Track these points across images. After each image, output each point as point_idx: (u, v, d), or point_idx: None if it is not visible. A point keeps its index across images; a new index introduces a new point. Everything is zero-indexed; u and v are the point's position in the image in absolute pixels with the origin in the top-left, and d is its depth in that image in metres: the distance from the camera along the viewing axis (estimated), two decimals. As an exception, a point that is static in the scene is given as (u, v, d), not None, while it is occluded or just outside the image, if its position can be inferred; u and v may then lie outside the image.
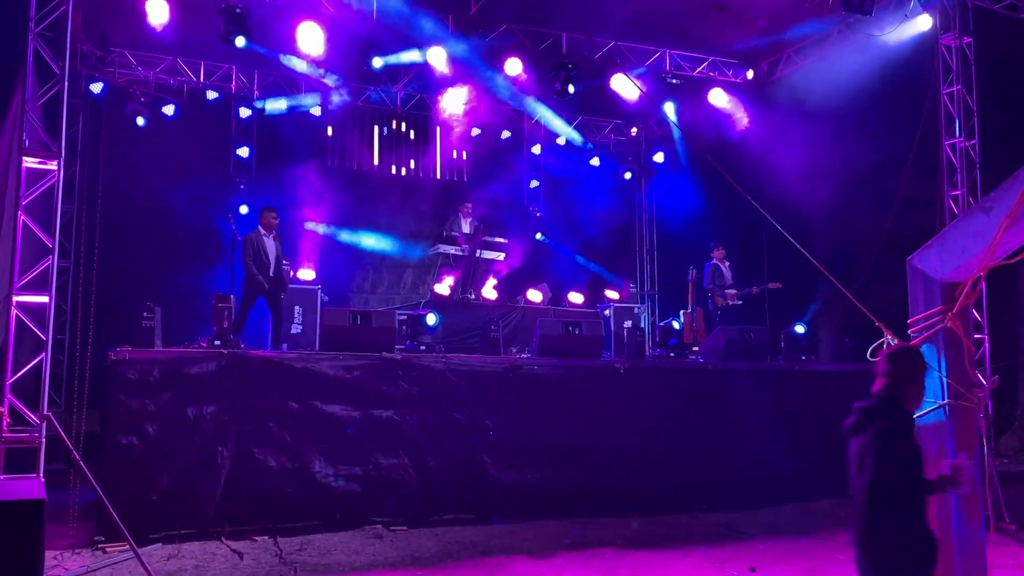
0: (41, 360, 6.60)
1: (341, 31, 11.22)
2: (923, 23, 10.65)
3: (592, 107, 15.32)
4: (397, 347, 8.99)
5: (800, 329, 10.80)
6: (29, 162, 6.68)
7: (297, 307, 10.36)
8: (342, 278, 14.02)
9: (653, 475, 9.01)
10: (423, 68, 12.75)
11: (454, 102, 13.62)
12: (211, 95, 13.52)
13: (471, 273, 12.72)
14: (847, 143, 11.97)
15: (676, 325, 11.13)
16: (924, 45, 10.68)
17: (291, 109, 13.97)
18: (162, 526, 7.17)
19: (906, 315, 5.86)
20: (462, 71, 12.68)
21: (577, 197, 16.06)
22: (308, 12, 10.98)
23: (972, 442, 5.13)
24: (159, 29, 10.49)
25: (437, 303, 11.72)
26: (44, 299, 6.68)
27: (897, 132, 11.09)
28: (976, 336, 9.38)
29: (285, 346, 9.60)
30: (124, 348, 7.42)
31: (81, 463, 6.24)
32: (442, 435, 8.31)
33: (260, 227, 10.10)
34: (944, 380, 5.21)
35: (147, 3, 10.28)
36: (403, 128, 15.35)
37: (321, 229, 13.75)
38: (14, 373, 6.50)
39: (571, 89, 12.06)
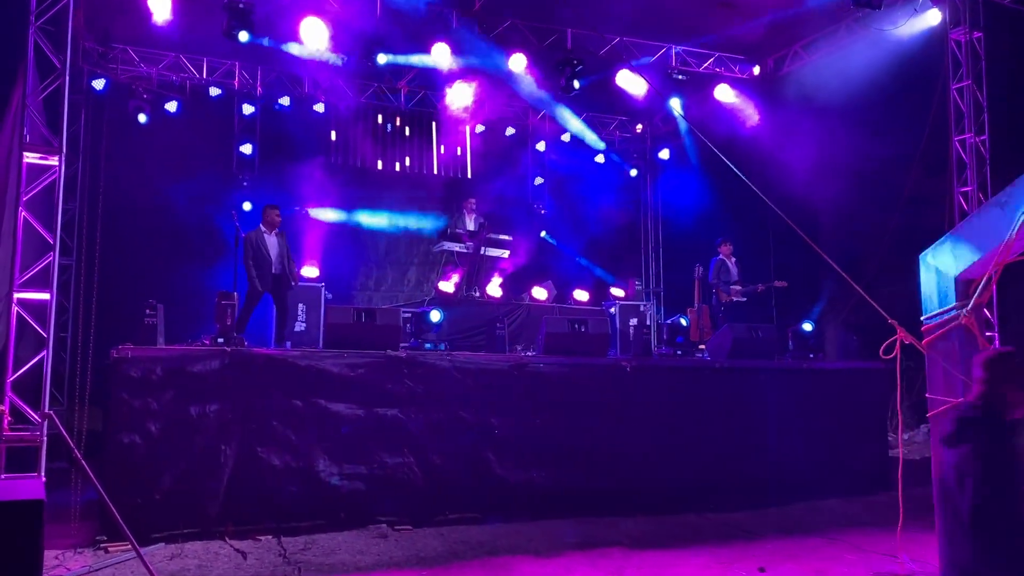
0: (42, 358, 6.54)
1: (345, 27, 11.15)
2: (932, 17, 10.55)
3: (597, 104, 15.26)
4: (402, 345, 8.92)
5: (808, 327, 10.72)
6: (30, 157, 6.61)
7: (301, 305, 10.30)
8: (346, 276, 14.00)
9: (660, 474, 8.93)
10: (427, 64, 12.68)
11: (458, 99, 13.53)
12: (214, 92, 13.46)
13: (476, 270, 12.65)
14: (855, 139, 11.87)
15: (684, 322, 11.04)
16: (933, 40, 10.58)
17: (294, 105, 13.92)
18: (165, 525, 7.10)
19: (913, 312, 5.79)
20: (466, 67, 12.62)
21: (582, 194, 16.01)
22: (312, 8, 10.91)
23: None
24: (162, 25, 10.41)
25: (442, 301, 11.65)
26: (45, 296, 6.62)
27: (906, 128, 11.00)
28: (987, 334, 9.29)
29: (289, 344, 9.54)
30: (126, 346, 7.35)
31: (83, 462, 6.18)
32: (447, 434, 8.23)
33: (262, 225, 10.07)
34: (960, 378, 5.14)
35: (149, -1, 10.24)
36: (407, 125, 15.30)
37: (325, 219, 13.69)
38: (15, 371, 6.44)
39: (576, 85, 11.98)
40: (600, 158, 16.25)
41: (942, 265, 5.39)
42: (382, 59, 11.79)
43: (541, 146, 16.21)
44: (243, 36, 10.28)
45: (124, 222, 11.61)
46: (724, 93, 13.36)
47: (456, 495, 8.18)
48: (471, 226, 12.84)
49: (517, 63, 12.13)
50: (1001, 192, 5.07)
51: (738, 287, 12.12)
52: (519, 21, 11.94)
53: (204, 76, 13.36)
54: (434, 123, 15.38)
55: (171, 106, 13.06)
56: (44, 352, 6.54)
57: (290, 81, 13.97)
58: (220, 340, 8.05)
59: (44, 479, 6.21)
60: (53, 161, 6.69)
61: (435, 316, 9.72)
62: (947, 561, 4.18)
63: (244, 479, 7.44)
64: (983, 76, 10.01)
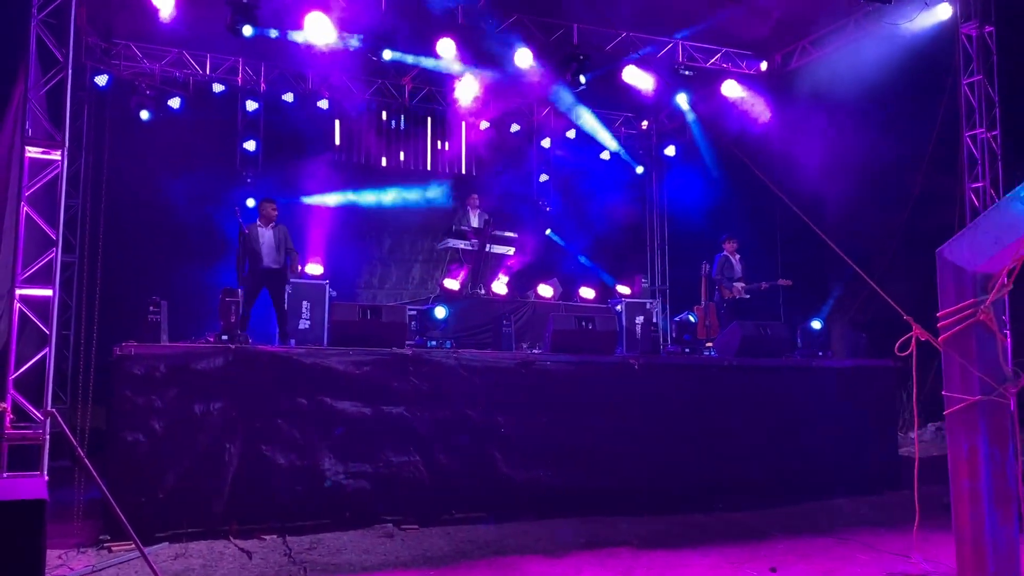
0: (45, 355, 6.48)
1: (350, 23, 11.08)
2: (943, 12, 10.45)
3: (602, 100, 15.15)
4: (407, 343, 8.84)
5: (817, 325, 10.64)
6: (32, 152, 6.55)
7: (305, 302, 10.21)
8: (349, 273, 13.96)
9: (669, 473, 8.85)
10: (432, 60, 12.60)
11: (463, 95, 13.46)
12: (217, 88, 13.40)
13: (480, 268, 12.57)
14: (863, 135, 11.78)
15: (692, 319, 10.96)
16: (944, 34, 10.48)
17: (298, 102, 13.85)
18: (169, 525, 7.03)
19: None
20: (471, 63, 12.54)
21: (587, 191, 15.93)
22: (316, 3, 10.84)
23: (1004, 439, 4.95)
24: (165, 21, 10.35)
25: (447, 298, 11.58)
26: (48, 292, 6.56)
27: (915, 124, 10.90)
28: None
29: (293, 341, 9.46)
30: (130, 343, 7.28)
31: (86, 460, 6.10)
32: (454, 432, 8.15)
33: (258, 219, 10.05)
34: (977, 375, 5.04)
35: (153, -6, 10.17)
36: (411, 121, 15.23)
37: (329, 216, 13.63)
38: (17, 368, 6.37)
39: (583, 80, 11.90)
40: (606, 155, 16.16)
41: (959, 260, 5.28)
42: (387, 55, 11.71)
43: (546, 143, 16.13)
44: (247, 30, 10.22)
45: (127, 219, 11.57)
46: (731, 89, 13.27)
47: (462, 494, 8.10)
48: (475, 222, 12.76)
49: (523, 58, 12.05)
50: (1020, 185, 4.97)
51: (741, 284, 12.03)
52: (525, 16, 11.86)
53: (207, 72, 13.31)
54: (439, 119, 15.31)
55: (174, 102, 12.99)
56: (47, 349, 6.48)
57: (294, 77, 13.91)
58: (224, 337, 7.97)
59: (47, 478, 6.15)
60: (56, 155, 6.63)
61: (440, 312, 9.64)
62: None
63: (249, 478, 7.36)
64: (994, 71, 9.91)
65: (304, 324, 9.99)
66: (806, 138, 11.93)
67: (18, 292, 6.43)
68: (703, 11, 11.82)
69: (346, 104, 14.24)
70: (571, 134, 15.83)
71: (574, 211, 15.80)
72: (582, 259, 15.44)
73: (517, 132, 15.67)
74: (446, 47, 11.86)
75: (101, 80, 12.29)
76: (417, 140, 15.30)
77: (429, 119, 15.32)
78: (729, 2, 11.27)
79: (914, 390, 5.78)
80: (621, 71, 12.86)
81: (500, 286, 12.49)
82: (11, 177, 6.99)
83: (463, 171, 15.60)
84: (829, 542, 7.57)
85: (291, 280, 9.94)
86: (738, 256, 12.27)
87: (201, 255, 11.93)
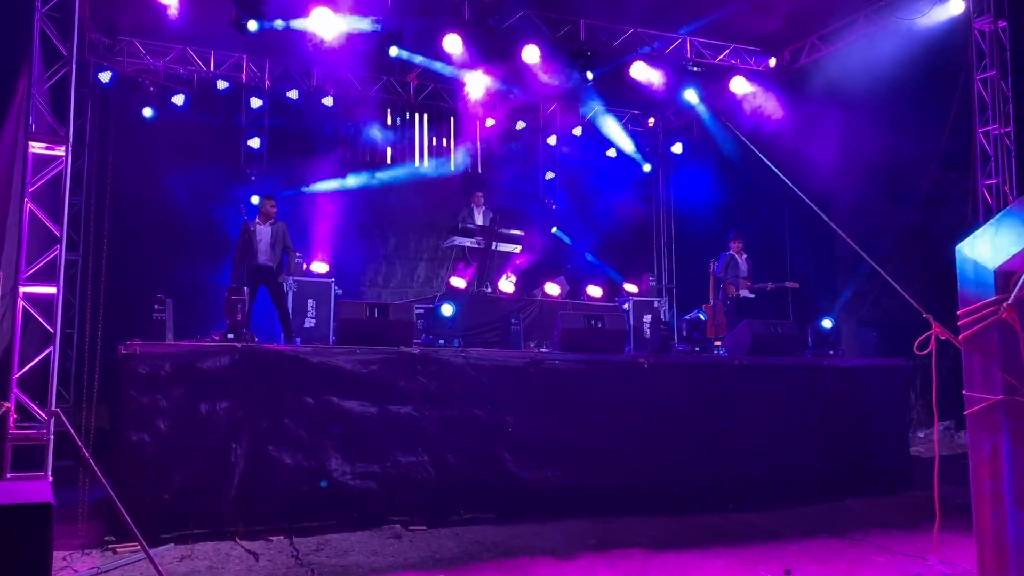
0: (49, 354, 6.39)
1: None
2: (955, 7, 10.35)
3: (608, 97, 15.05)
4: (415, 341, 8.75)
5: (827, 324, 10.53)
6: (36, 147, 6.45)
7: (311, 300, 10.11)
8: (355, 272, 13.89)
9: (679, 473, 8.76)
10: (438, 57, 12.51)
11: (470, 91, 13.40)
12: (221, 85, 13.33)
13: (487, 266, 12.47)
14: (874, 132, 11.67)
15: (703, 317, 10.86)
16: (956, 29, 10.37)
17: (303, 99, 13.77)
18: (174, 526, 6.94)
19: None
20: (478, 59, 12.45)
21: (594, 189, 15.84)
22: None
23: (1027, 439, 4.86)
24: (169, 17, 10.28)
25: (453, 296, 11.48)
26: (52, 290, 6.46)
27: (927, 121, 10.79)
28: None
29: (298, 340, 9.37)
30: (135, 342, 7.20)
31: (90, 461, 6.03)
32: (462, 431, 8.06)
33: (257, 216, 10.02)
34: (999, 375, 4.95)
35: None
36: (417, 118, 15.13)
37: (333, 214, 13.54)
38: (21, 367, 6.29)
39: (590, 76, 11.80)
40: (612, 152, 16.06)
41: (980, 257, 5.18)
42: (393, 51, 11.61)
43: (552, 140, 16.04)
44: (252, 26, 10.14)
45: (131, 216, 11.46)
46: (740, 86, 13.16)
47: (471, 494, 8.01)
48: (480, 220, 12.66)
49: (530, 54, 11.94)
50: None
51: (747, 283, 11.93)
52: (532, 12, 11.77)
53: (211, 69, 13.22)
54: (445, 116, 15.23)
55: (178, 99, 12.94)
56: (51, 348, 6.39)
57: (298, 74, 13.82)
58: (230, 336, 7.89)
59: (51, 478, 6.06)
60: (59, 151, 6.53)
61: (447, 310, 9.53)
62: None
63: (255, 478, 7.27)
64: (1008, 66, 9.79)
65: (310, 322, 9.89)
66: (815, 134, 11.82)
67: (21, 290, 6.34)
68: (711, 7, 11.72)
69: (351, 101, 14.16)
70: (577, 131, 15.75)
71: (581, 209, 15.72)
72: (589, 257, 15.34)
73: (523, 129, 15.59)
74: (452, 43, 11.77)
75: (105, 77, 12.23)
76: (422, 137, 15.21)
77: (434, 116, 15.22)
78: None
79: (933, 389, 5.68)
80: (629, 67, 12.76)
81: (507, 284, 12.40)
82: (14, 173, 6.90)
83: (468, 168, 15.51)
84: (843, 543, 7.48)
85: (292, 278, 9.84)
86: (744, 255, 12.17)
87: (205, 253, 11.87)
